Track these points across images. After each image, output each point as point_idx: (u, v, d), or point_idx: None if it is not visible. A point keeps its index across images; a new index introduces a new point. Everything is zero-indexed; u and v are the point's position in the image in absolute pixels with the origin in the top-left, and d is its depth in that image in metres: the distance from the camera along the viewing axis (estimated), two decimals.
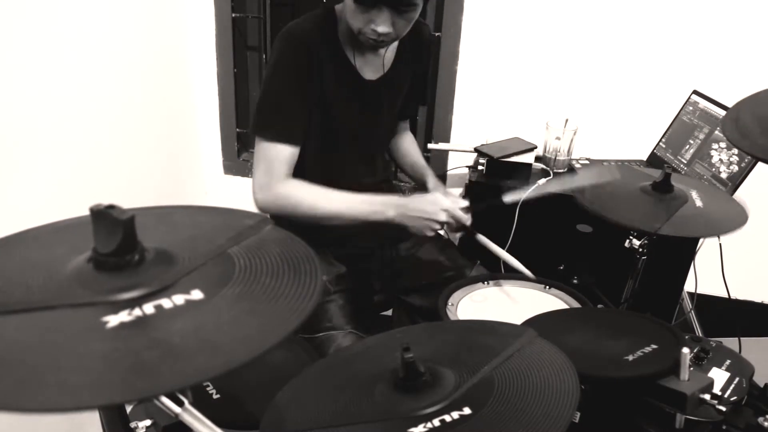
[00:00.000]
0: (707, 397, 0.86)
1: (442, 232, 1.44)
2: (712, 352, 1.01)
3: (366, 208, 1.27)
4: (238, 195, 2.38)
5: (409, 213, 1.25)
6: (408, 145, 1.61)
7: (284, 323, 0.51)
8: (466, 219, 1.26)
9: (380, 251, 1.51)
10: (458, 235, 1.44)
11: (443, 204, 1.25)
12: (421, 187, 1.56)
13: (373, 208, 1.27)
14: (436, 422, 0.63)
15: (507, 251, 1.30)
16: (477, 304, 1.25)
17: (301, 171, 1.31)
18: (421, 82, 1.54)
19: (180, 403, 0.55)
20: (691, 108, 1.77)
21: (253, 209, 1.29)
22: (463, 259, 1.49)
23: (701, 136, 1.69)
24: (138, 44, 1.89)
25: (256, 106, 1.28)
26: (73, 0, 1.58)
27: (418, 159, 1.59)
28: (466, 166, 1.98)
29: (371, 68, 1.36)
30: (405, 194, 1.46)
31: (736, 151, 1.56)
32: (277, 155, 1.26)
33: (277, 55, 1.24)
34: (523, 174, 1.79)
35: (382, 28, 1.18)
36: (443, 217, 1.24)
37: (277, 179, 1.27)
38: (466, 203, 1.28)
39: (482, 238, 1.34)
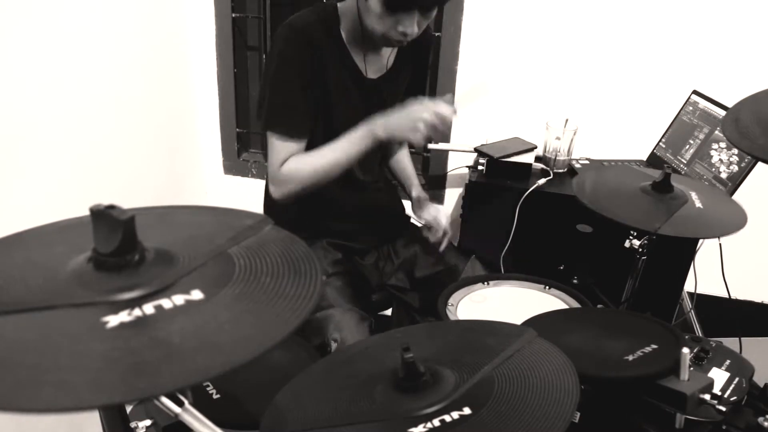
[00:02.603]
0: (707, 397, 0.86)
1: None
2: (712, 352, 1.01)
3: (355, 142, 1.26)
4: (238, 195, 2.38)
5: (393, 124, 1.23)
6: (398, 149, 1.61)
7: (284, 323, 0.51)
8: (450, 112, 1.22)
9: (377, 250, 1.51)
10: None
11: (424, 106, 1.22)
12: (406, 194, 1.57)
13: (361, 140, 1.26)
14: (436, 422, 0.63)
15: (507, 251, 1.29)
16: (477, 304, 1.25)
17: None
18: (421, 81, 1.54)
19: (180, 403, 0.55)
20: (691, 108, 1.77)
21: (253, 209, 1.29)
22: (458, 253, 1.50)
23: (701, 136, 1.69)
24: (138, 44, 1.89)
25: (263, 100, 1.27)
26: (73, 0, 1.58)
27: (407, 165, 1.59)
28: (466, 166, 1.97)
29: (374, 67, 1.36)
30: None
31: (736, 151, 1.56)
32: (287, 151, 1.28)
33: (280, 47, 1.23)
34: (523, 174, 1.79)
35: (411, 30, 1.18)
36: (427, 115, 1.20)
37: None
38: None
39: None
